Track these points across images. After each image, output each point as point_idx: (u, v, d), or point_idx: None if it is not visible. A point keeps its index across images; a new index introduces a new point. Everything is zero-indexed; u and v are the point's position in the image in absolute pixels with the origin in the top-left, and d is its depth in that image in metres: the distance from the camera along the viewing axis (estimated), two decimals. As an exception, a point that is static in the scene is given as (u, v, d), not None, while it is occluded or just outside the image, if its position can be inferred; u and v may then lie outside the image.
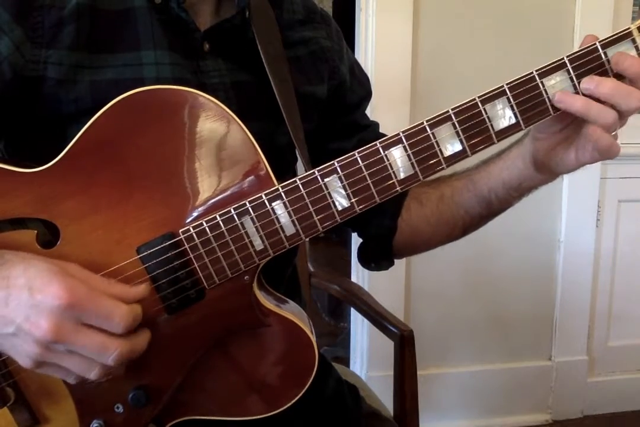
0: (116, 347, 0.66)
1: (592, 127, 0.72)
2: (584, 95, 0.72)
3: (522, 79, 0.72)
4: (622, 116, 0.73)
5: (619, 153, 0.73)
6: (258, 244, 0.74)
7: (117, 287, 0.69)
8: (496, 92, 0.72)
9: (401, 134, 0.73)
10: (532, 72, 0.72)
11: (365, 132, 1.03)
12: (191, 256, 0.73)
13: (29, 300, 0.64)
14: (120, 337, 0.67)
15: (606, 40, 0.71)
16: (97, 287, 0.67)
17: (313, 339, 0.78)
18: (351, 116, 1.03)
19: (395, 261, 1.06)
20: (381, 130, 1.06)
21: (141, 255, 0.73)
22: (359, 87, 1.04)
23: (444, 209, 0.95)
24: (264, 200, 0.73)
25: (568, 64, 0.72)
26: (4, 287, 0.66)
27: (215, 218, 0.73)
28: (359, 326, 2.12)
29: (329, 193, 0.74)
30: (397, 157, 0.73)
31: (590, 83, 0.71)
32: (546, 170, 0.81)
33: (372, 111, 1.90)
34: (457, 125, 0.73)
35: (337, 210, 0.74)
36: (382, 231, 1.00)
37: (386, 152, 0.73)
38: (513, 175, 0.85)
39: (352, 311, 2.06)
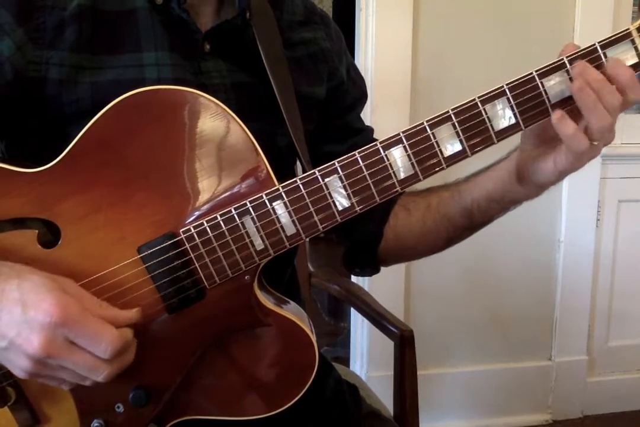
0: (105, 368, 0.67)
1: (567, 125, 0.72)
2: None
3: (521, 80, 0.72)
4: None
5: (584, 148, 0.72)
6: (258, 243, 0.74)
7: (109, 310, 0.70)
8: (496, 92, 0.73)
9: (401, 134, 0.73)
10: (531, 73, 0.72)
11: (358, 136, 1.02)
12: (192, 255, 0.74)
13: (21, 315, 0.65)
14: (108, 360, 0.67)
15: (606, 41, 0.71)
16: (90, 308, 0.68)
17: (313, 338, 0.78)
18: (344, 118, 1.03)
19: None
20: (381, 129, 1.05)
21: (142, 255, 0.73)
22: (354, 89, 1.04)
23: (429, 218, 0.95)
24: (264, 200, 0.73)
25: (568, 65, 0.72)
26: None
27: (215, 218, 0.73)
28: (359, 326, 2.12)
29: (329, 193, 0.74)
30: (397, 157, 0.74)
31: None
32: (527, 181, 0.80)
33: (372, 111, 1.90)
34: (457, 125, 0.73)
35: (337, 210, 0.74)
36: (367, 237, 1.00)
37: (386, 152, 0.73)
38: (497, 187, 0.85)
39: (352, 311, 2.06)
